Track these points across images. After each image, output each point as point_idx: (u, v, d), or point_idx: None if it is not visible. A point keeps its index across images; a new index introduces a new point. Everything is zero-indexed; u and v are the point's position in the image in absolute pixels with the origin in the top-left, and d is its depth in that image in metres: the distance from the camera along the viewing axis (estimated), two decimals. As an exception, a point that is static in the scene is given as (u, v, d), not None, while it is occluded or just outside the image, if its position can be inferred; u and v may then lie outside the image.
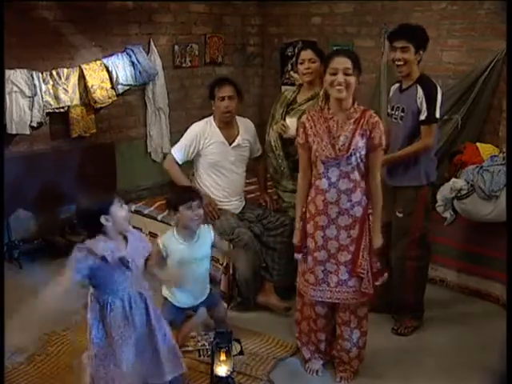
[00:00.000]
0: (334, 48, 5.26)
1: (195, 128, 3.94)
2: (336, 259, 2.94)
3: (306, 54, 3.77)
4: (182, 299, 3.34)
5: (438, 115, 3.28)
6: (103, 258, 2.48)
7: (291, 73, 4.41)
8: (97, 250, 2.47)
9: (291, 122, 3.67)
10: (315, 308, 3.10)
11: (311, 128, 2.91)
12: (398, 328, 3.60)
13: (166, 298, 3.37)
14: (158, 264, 3.07)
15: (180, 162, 3.95)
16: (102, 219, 2.53)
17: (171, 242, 3.25)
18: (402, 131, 3.39)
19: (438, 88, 3.30)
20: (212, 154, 3.89)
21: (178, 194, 3.32)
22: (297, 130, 3.15)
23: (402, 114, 3.37)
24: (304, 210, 3.03)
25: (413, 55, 3.29)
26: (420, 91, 3.27)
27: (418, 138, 3.34)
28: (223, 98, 3.81)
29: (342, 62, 2.81)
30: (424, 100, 3.24)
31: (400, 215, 3.45)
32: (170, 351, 2.69)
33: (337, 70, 2.80)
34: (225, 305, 3.69)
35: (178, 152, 3.93)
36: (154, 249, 3.10)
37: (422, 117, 3.27)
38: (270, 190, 4.31)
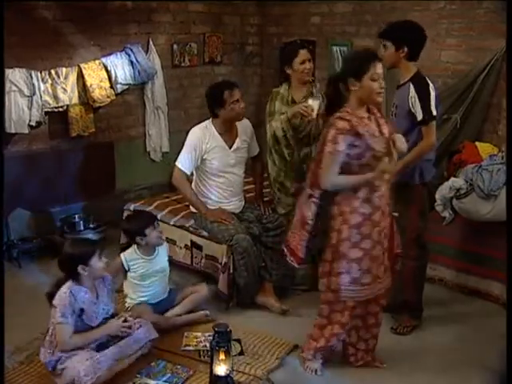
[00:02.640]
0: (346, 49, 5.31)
1: (196, 133, 3.87)
2: (383, 247, 3.01)
3: (306, 54, 3.80)
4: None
5: (434, 112, 3.24)
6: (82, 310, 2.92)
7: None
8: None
9: (315, 103, 3.62)
10: (353, 310, 3.06)
11: (357, 131, 2.84)
12: (397, 327, 3.61)
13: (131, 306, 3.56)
14: (114, 273, 3.49)
15: (189, 173, 3.89)
16: (80, 269, 2.93)
17: (133, 257, 3.51)
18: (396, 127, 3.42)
19: (431, 86, 3.26)
20: (213, 159, 3.86)
21: (140, 220, 3.56)
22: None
23: (395, 111, 3.39)
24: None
25: (392, 51, 3.31)
26: (412, 90, 3.26)
27: (410, 136, 3.29)
28: (238, 101, 3.79)
29: (381, 68, 2.86)
30: (417, 100, 3.22)
31: (396, 214, 3.44)
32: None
33: (379, 76, 2.84)
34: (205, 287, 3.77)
35: (184, 163, 3.84)
36: (116, 262, 3.51)
37: (419, 117, 3.25)
38: (265, 190, 4.32)
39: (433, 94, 3.25)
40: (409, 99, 3.26)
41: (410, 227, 3.41)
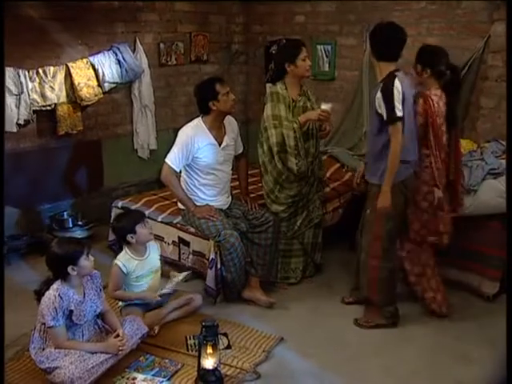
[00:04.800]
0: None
1: (188, 132, 3.86)
2: None
3: (306, 51, 3.86)
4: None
5: (399, 114, 3.22)
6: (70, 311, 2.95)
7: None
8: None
9: (328, 106, 3.71)
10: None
11: None
12: (358, 319, 3.66)
13: (122, 307, 3.59)
14: (119, 285, 3.47)
15: (178, 170, 3.89)
16: (69, 269, 2.93)
17: (128, 260, 3.49)
18: (370, 127, 3.51)
19: (397, 87, 3.22)
20: (204, 157, 3.86)
21: (129, 218, 3.56)
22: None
23: (370, 111, 3.49)
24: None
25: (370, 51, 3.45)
26: (378, 91, 3.30)
27: (381, 136, 3.33)
28: (228, 92, 3.82)
29: None
30: (382, 100, 3.25)
31: (367, 211, 3.50)
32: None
33: None
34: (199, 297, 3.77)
35: (175, 160, 3.83)
36: (114, 271, 3.46)
37: (385, 117, 3.27)
38: (251, 187, 4.38)
39: (398, 94, 3.21)
40: (376, 99, 3.31)
41: (376, 225, 3.46)
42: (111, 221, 3.84)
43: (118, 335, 3.09)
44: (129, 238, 3.47)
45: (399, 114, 3.22)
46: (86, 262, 3.00)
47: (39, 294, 3.00)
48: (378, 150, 3.38)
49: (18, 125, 4.55)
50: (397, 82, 3.23)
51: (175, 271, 3.74)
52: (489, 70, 4.44)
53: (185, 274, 3.63)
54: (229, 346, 3.37)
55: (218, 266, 3.84)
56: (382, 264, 3.51)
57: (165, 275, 3.70)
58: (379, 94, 3.28)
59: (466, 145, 4.32)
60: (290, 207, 4.02)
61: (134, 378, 3.04)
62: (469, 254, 4.00)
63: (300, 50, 3.84)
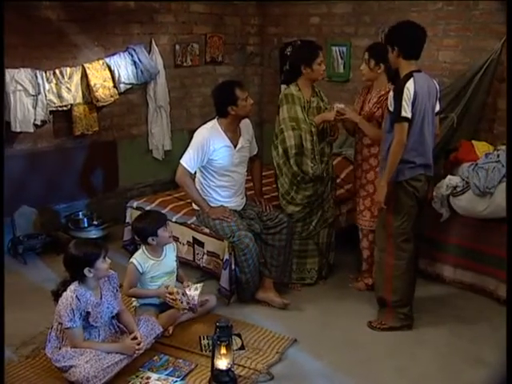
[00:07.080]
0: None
1: (203, 134, 3.86)
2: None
3: (322, 55, 3.89)
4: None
5: (404, 114, 3.22)
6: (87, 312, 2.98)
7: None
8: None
9: (341, 108, 3.75)
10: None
11: None
12: (372, 322, 3.65)
13: (137, 306, 3.62)
14: (134, 283, 3.48)
15: (192, 172, 3.89)
16: (86, 271, 2.96)
17: (144, 260, 3.51)
18: (384, 125, 3.50)
19: (408, 87, 3.21)
20: (220, 159, 3.86)
21: (152, 220, 3.54)
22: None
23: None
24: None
25: (390, 53, 3.40)
26: (391, 89, 3.36)
27: (390, 133, 3.33)
28: (247, 97, 3.82)
29: None
30: (392, 98, 3.28)
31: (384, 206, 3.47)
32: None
33: None
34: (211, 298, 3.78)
35: (190, 162, 3.83)
36: (130, 269, 3.48)
37: (393, 115, 3.30)
38: (266, 188, 4.39)
39: (408, 95, 3.21)
40: (389, 97, 3.34)
41: (385, 223, 3.49)
42: (132, 221, 3.84)
43: (135, 337, 3.10)
44: (150, 240, 3.49)
45: (404, 113, 3.23)
46: (103, 264, 3.02)
47: (56, 295, 3.03)
48: (388, 147, 3.36)
49: (35, 125, 4.59)
50: (410, 83, 3.23)
51: (188, 281, 3.70)
52: (506, 72, 4.40)
53: (199, 285, 3.52)
54: (242, 347, 3.38)
55: (232, 266, 3.85)
56: (396, 261, 3.50)
57: (178, 280, 3.71)
58: (391, 93, 3.31)
59: (481, 147, 4.29)
60: (306, 207, 4.02)
61: (148, 378, 3.06)
62: (484, 257, 3.99)
63: (317, 54, 3.86)
